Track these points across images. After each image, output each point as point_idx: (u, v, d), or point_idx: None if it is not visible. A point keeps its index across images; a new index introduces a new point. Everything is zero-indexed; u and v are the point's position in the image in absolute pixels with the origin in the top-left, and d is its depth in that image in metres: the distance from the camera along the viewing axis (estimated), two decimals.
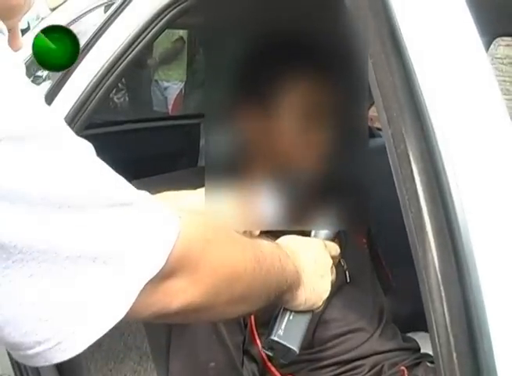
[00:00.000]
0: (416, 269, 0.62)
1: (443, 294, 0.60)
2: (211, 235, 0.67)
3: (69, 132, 0.55)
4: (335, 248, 0.98)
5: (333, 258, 0.94)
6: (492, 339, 0.57)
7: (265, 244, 0.80)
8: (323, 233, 1.03)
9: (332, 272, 0.92)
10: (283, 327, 0.89)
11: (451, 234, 0.60)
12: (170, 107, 4.83)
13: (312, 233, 1.05)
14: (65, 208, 0.50)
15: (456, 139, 0.63)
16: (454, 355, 0.58)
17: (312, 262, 0.88)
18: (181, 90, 4.85)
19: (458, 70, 0.66)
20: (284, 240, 0.92)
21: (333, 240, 1.05)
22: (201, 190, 0.99)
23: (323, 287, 0.89)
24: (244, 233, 1.02)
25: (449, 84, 0.65)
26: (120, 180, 0.57)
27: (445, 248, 0.60)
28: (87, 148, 0.56)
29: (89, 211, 0.52)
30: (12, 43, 0.65)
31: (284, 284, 0.80)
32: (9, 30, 0.64)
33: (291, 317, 0.89)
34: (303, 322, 0.90)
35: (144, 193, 0.60)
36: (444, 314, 0.59)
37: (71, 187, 0.51)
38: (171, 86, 4.84)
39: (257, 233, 1.06)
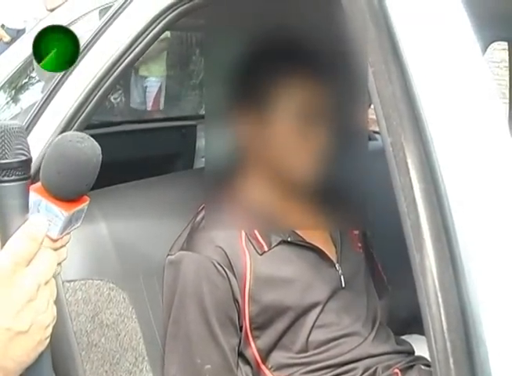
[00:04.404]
0: (414, 275, 0.63)
1: (440, 301, 0.60)
2: None
3: None
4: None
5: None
6: (488, 345, 0.58)
7: None
8: None
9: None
10: None
11: (449, 241, 0.61)
12: (150, 104, 4.81)
13: None
14: None
15: (454, 147, 0.64)
16: (451, 360, 0.59)
17: None
18: (160, 86, 4.83)
19: (457, 78, 0.67)
20: None
21: None
22: None
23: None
24: None
25: (449, 93, 0.66)
26: None
27: (442, 255, 0.61)
28: None
29: None
30: None
31: None
32: None
33: None
34: None
35: None
36: (441, 320, 0.60)
37: None
38: (152, 82, 4.80)
39: None
